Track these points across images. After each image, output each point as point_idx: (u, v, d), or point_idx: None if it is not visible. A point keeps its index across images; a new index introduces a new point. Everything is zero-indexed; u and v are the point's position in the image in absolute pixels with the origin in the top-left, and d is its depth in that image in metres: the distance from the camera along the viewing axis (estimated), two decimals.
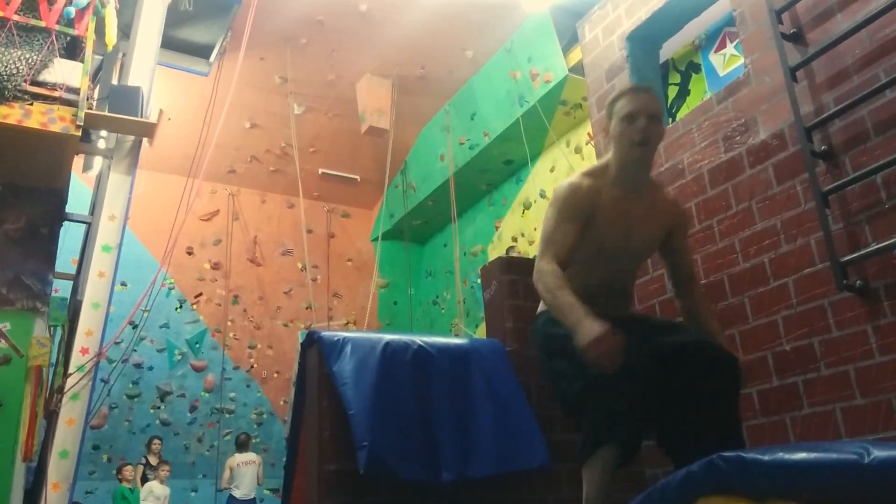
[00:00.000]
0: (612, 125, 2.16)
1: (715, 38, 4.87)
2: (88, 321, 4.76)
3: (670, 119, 5.83)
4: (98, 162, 5.61)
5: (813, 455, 1.38)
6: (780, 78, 2.82)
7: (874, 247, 2.40)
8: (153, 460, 8.04)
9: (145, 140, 5.31)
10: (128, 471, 7.56)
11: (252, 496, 7.95)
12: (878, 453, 1.28)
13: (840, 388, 2.45)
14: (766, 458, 1.41)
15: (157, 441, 8.29)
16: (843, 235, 2.53)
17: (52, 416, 4.53)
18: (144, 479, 7.78)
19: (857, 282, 2.44)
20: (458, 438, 2.64)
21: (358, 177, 10.58)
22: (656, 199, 2.24)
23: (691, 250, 2.52)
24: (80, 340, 4.71)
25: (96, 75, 5.58)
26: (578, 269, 2.13)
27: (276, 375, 10.05)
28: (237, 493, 7.86)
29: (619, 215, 2.13)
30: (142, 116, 5.01)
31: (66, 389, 4.56)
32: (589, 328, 1.85)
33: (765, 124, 2.91)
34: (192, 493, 9.04)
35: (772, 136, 2.86)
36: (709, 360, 2.01)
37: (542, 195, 8.44)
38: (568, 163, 7.91)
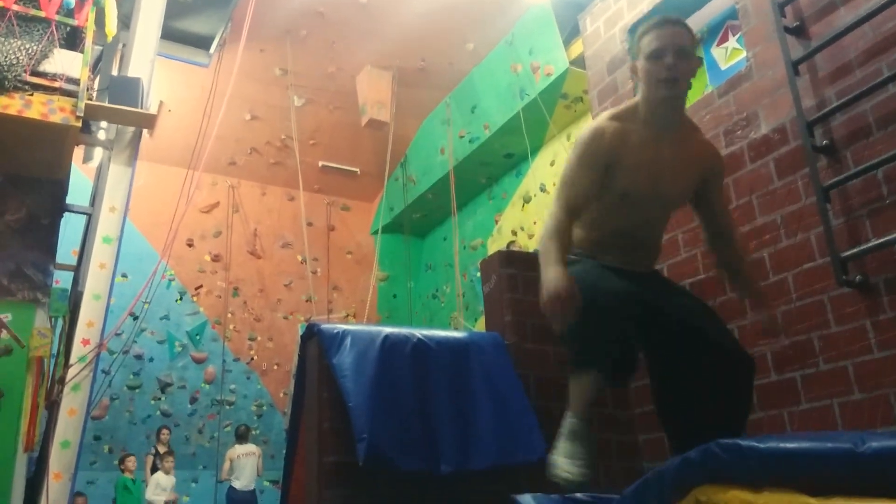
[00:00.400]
0: (639, 64, 2.02)
1: (717, 31, 4.85)
2: (89, 312, 4.77)
3: None
4: (98, 153, 5.61)
5: (809, 443, 1.39)
6: (782, 72, 2.81)
7: (874, 242, 2.39)
8: (162, 450, 8.06)
9: (145, 131, 5.30)
10: (130, 461, 7.61)
11: (252, 487, 7.98)
12: (873, 442, 1.29)
13: (838, 383, 2.45)
14: (762, 445, 1.42)
15: (165, 430, 8.34)
16: (843, 230, 2.53)
17: (53, 407, 4.54)
18: (155, 469, 7.81)
19: (857, 277, 2.44)
20: (457, 431, 2.65)
21: (358, 169, 10.56)
22: (690, 142, 2.09)
23: (727, 199, 2.39)
24: (80, 331, 4.72)
25: (96, 66, 5.57)
26: (600, 215, 2.05)
27: (276, 367, 10.07)
28: (237, 485, 7.89)
29: (648, 160, 2.00)
30: (142, 107, 5.00)
31: (67, 380, 4.57)
32: (553, 279, 1.80)
33: (766, 118, 2.90)
34: (193, 484, 9.08)
35: (773, 130, 2.85)
36: (722, 358, 1.95)
37: (543, 189, 8.44)
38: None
